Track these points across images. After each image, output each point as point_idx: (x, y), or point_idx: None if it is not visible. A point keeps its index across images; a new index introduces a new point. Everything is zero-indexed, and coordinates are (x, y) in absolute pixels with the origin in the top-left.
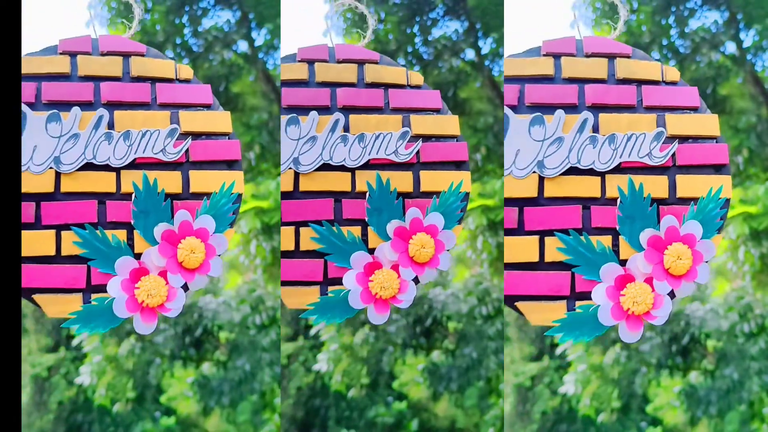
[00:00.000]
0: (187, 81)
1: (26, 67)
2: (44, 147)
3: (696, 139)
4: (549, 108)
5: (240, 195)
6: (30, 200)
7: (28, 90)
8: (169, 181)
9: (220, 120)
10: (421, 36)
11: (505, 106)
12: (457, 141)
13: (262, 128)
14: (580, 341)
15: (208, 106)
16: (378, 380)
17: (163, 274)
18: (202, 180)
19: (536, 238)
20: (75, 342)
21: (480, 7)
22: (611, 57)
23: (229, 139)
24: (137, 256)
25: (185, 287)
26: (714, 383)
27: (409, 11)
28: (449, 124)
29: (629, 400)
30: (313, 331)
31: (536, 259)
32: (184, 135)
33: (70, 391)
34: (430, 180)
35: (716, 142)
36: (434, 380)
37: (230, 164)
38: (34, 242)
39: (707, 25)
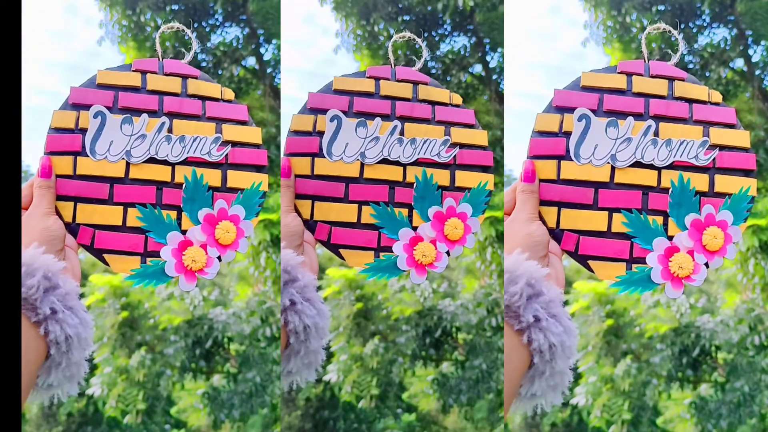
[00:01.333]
0: (229, 101)
1: (104, 79)
2: (119, 142)
3: (731, 148)
4: (622, 114)
5: (265, 192)
6: (105, 182)
7: (107, 97)
8: (212, 177)
9: (253, 134)
10: (430, 51)
11: (588, 110)
12: (484, 150)
13: (270, 142)
14: (635, 292)
15: (244, 122)
16: (387, 391)
17: (203, 246)
18: (236, 178)
19: (606, 213)
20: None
21: (487, 23)
22: (671, 79)
23: (258, 149)
24: (184, 232)
25: (219, 258)
26: (724, 396)
27: (418, 27)
28: (480, 136)
29: (640, 412)
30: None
31: (605, 229)
32: (225, 143)
33: (80, 403)
34: (463, 178)
35: (746, 152)
36: (444, 392)
37: (259, 168)
38: (107, 214)
39: (716, 41)
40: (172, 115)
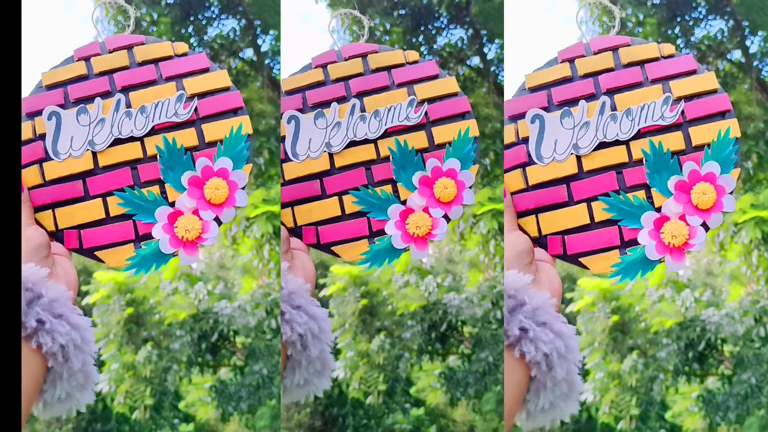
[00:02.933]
0: (184, 54)
1: (50, 79)
2: (79, 135)
3: (699, 95)
4: (573, 102)
5: (249, 134)
6: (77, 179)
7: (57, 96)
8: (186, 138)
9: (219, 78)
10: (427, 45)
11: (538, 109)
12: (457, 97)
13: (270, 134)
14: (637, 277)
15: (206, 70)
16: (395, 387)
17: (195, 212)
18: (213, 130)
19: (584, 205)
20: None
21: (483, 14)
22: (614, 49)
23: (230, 92)
24: (171, 204)
25: (218, 220)
26: (732, 389)
27: (414, 21)
28: (448, 84)
29: (648, 407)
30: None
31: (588, 221)
32: (191, 97)
33: None
34: (441, 134)
35: (717, 94)
36: (451, 386)
37: (235, 111)
38: (88, 211)
39: (713, 33)
40: (126, 90)
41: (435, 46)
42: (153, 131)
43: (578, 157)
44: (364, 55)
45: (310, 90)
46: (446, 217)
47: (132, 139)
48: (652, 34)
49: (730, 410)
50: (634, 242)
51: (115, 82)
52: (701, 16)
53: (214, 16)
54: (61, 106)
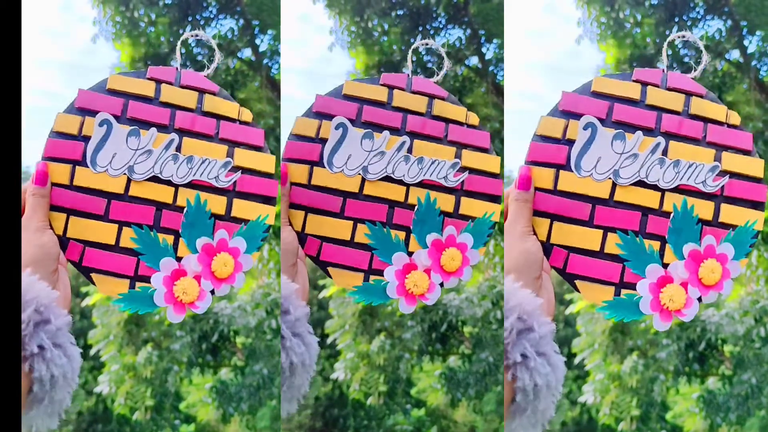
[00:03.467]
0: (246, 123)
1: (116, 84)
2: (122, 156)
3: (742, 176)
4: (631, 127)
5: (270, 226)
6: (103, 197)
7: (116, 104)
8: (216, 204)
9: (266, 161)
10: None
11: (595, 119)
12: (495, 178)
13: (269, 134)
14: (620, 320)
15: (259, 148)
16: (395, 388)
17: (197, 278)
18: (242, 208)
19: (601, 232)
20: (92, 351)
21: (482, 14)
22: (688, 94)
23: (270, 179)
24: (179, 260)
25: (213, 292)
26: (732, 389)
27: (412, 22)
28: (492, 162)
29: (648, 408)
30: (329, 340)
31: (597, 249)
32: (236, 168)
33: (89, 401)
34: (468, 206)
35: (758, 182)
36: (452, 386)
37: (267, 200)
38: (100, 232)
39: (711, 33)
40: (182, 132)
41: (433, 47)
42: (190, 184)
43: (614, 184)
44: (432, 97)
45: (369, 105)
46: (441, 285)
47: (169, 183)
48: (650, 34)
49: (730, 411)
50: (631, 286)
51: (176, 120)
52: (699, 16)
53: (212, 16)
54: (116, 117)
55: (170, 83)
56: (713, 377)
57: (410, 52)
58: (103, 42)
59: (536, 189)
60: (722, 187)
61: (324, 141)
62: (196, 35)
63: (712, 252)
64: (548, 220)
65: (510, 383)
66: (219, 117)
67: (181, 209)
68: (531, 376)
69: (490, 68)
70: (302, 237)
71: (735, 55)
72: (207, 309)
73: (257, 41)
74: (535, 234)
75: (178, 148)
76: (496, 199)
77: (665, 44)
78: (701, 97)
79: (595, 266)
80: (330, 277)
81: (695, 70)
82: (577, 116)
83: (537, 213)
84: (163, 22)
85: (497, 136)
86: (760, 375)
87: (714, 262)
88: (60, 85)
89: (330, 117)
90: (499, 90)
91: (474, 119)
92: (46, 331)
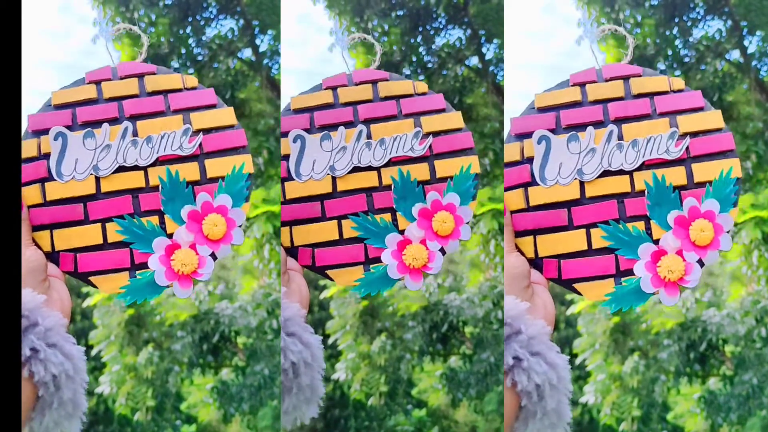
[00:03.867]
0: (193, 88)
1: (60, 99)
2: (84, 159)
3: (704, 132)
4: (581, 126)
5: (251, 174)
6: (78, 202)
7: (64, 117)
8: (189, 171)
9: (225, 115)
10: (425, 45)
11: (546, 131)
12: (462, 132)
13: (269, 134)
14: (629, 308)
15: (213, 106)
16: (396, 388)
17: (192, 247)
18: (216, 166)
19: (583, 231)
20: (93, 352)
21: (482, 14)
22: (626, 78)
23: (234, 129)
24: (170, 236)
25: (213, 256)
26: (733, 389)
27: (412, 22)
28: (454, 119)
29: (649, 408)
30: (330, 341)
31: (585, 247)
32: (196, 132)
33: (90, 402)
34: (444, 167)
35: (722, 132)
36: (453, 386)
37: (238, 150)
38: (85, 235)
39: (711, 33)
40: (134, 118)
41: (433, 47)
42: (157, 162)
43: (581, 183)
44: (374, 82)
45: (318, 111)
46: (442, 251)
47: (136, 167)
48: (650, 35)
49: (731, 411)
50: (629, 272)
51: (124, 110)
52: (699, 17)
53: (212, 16)
54: (69, 127)
55: (109, 80)
56: (714, 377)
57: (343, 50)
58: (103, 43)
59: (512, 212)
60: (687, 149)
61: (287, 157)
62: (119, 30)
63: (698, 213)
64: (531, 237)
65: (512, 390)
66: (165, 92)
67: (156, 188)
68: (529, 376)
69: (490, 68)
70: (294, 251)
71: (735, 55)
72: (211, 276)
73: (257, 41)
74: (519, 250)
75: (135, 133)
76: (468, 151)
77: (591, 45)
78: (639, 76)
79: (588, 265)
80: (332, 280)
81: (626, 57)
82: (530, 135)
83: (519, 234)
84: (162, 23)
85: (497, 137)
86: (761, 375)
87: (702, 221)
88: (60, 86)
89: (285, 135)
90: (499, 90)
91: (422, 87)
92: (35, 333)
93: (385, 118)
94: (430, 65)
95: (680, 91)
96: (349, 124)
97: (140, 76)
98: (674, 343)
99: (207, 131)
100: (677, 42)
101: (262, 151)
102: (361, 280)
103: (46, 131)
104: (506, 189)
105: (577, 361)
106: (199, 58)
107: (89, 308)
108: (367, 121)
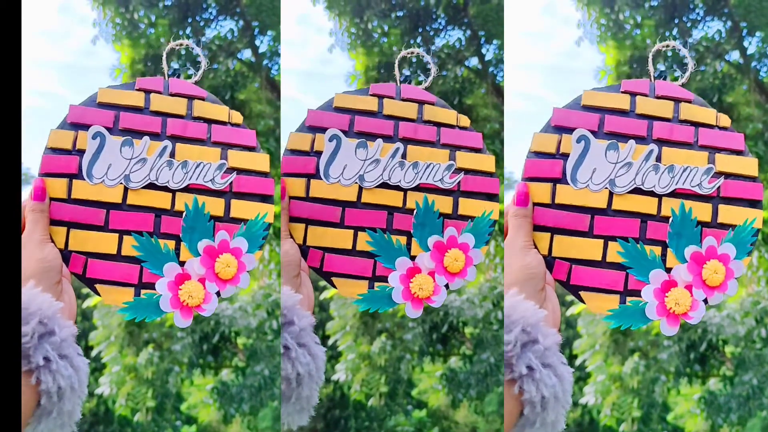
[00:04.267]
0: (237, 125)
1: (105, 97)
2: (117, 166)
3: (738, 176)
4: (623, 137)
5: (270, 224)
6: (102, 208)
7: (107, 117)
8: (214, 206)
9: (260, 161)
10: (425, 46)
11: (587, 131)
12: (491, 177)
13: (269, 134)
14: (628, 327)
15: (252, 149)
16: (397, 389)
17: (202, 280)
18: (240, 208)
19: (602, 241)
20: (93, 353)
21: (481, 15)
22: (677, 100)
23: (266, 177)
24: (182, 264)
25: (218, 294)
26: (733, 390)
27: (412, 23)
28: (487, 162)
29: (649, 409)
30: (330, 341)
31: (599, 258)
32: (231, 170)
33: (90, 403)
34: (467, 206)
35: (754, 181)
36: (453, 387)
37: (264, 198)
38: (101, 242)
39: (711, 34)
40: (175, 139)
41: (433, 48)
42: (187, 188)
43: (611, 194)
44: (421, 103)
45: (360, 116)
46: (446, 287)
47: (166, 188)
48: (650, 35)
49: (732, 411)
50: (636, 293)
51: (167, 128)
52: (699, 18)
53: (212, 17)
54: (109, 129)
55: (159, 92)
56: (714, 378)
57: (396, 60)
58: (103, 43)
59: (534, 204)
60: (718, 188)
61: (319, 154)
62: (181, 44)
63: (714, 253)
64: (548, 234)
65: (516, 397)
66: (210, 121)
67: (180, 214)
68: (538, 388)
69: (490, 69)
70: (304, 249)
71: (735, 56)
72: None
73: (257, 42)
74: (536, 248)
75: (172, 155)
76: (493, 197)
77: (650, 55)
78: (689, 102)
79: (598, 276)
80: (335, 287)
81: (683, 77)
82: (570, 130)
83: (537, 228)
84: (162, 24)
85: (497, 137)
86: (761, 376)
87: (717, 262)
88: (59, 87)
89: (323, 130)
90: (499, 91)
91: (465, 121)
92: (51, 343)
93: (424, 142)
94: (429, 66)
95: (725, 128)
96: (388, 139)
97: (190, 98)
98: (674, 344)
99: (240, 171)
100: (677, 42)
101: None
102: (364, 296)
103: (85, 127)
104: (533, 179)
105: (577, 362)
106: (199, 59)
107: (89, 309)
108: (406, 141)
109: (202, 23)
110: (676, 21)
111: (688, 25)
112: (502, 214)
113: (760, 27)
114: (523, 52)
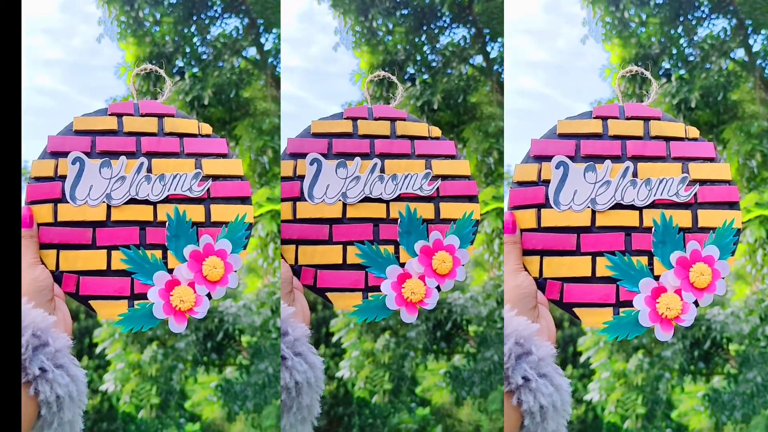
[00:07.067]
0: (207, 136)
1: (81, 125)
2: (98, 186)
3: (713, 182)
4: (599, 158)
5: (251, 224)
6: (87, 227)
7: (84, 143)
8: (195, 213)
9: (234, 165)
10: (429, 44)
11: (565, 157)
12: (468, 180)
13: (273, 132)
14: (624, 338)
15: (224, 155)
16: (400, 386)
17: (191, 285)
18: (220, 212)
19: (589, 258)
20: (98, 350)
21: (486, 13)
22: (646, 119)
23: (241, 180)
24: (170, 271)
25: (209, 296)
26: (737, 387)
27: (416, 21)
28: (462, 166)
29: (653, 406)
30: (334, 339)
31: (589, 274)
32: (206, 177)
33: (95, 400)
34: (448, 210)
35: (729, 184)
36: (456, 385)
37: (243, 200)
38: (91, 259)
39: (716, 32)
40: (150, 155)
41: (438, 46)
42: (167, 199)
43: (593, 212)
44: (393, 120)
45: (337, 138)
46: (438, 288)
47: (147, 202)
48: (655, 33)
49: (736, 409)
50: (628, 304)
51: (142, 146)
52: (704, 15)
53: (216, 15)
54: (87, 153)
55: (131, 114)
56: (718, 376)
57: (366, 84)
58: (108, 42)
59: (522, 230)
60: (695, 194)
61: (302, 177)
62: (145, 69)
63: (699, 256)
64: (538, 257)
65: (516, 409)
66: (181, 135)
67: (163, 224)
68: (535, 397)
69: (495, 67)
70: (296, 269)
71: (740, 53)
72: (207, 311)
73: (262, 40)
74: (526, 270)
75: (149, 170)
76: (472, 198)
77: (616, 81)
78: (658, 119)
79: (590, 291)
80: (330, 302)
81: (648, 98)
82: (548, 158)
83: (527, 252)
84: (167, 22)
85: (501, 135)
86: (765, 374)
87: (702, 265)
88: (65, 85)
89: (304, 155)
90: (503, 89)
91: (436, 132)
92: (45, 354)
93: (399, 155)
94: (434, 64)
95: (695, 139)
96: (365, 156)
97: (160, 116)
98: (678, 342)
99: (216, 178)
100: (682, 41)
101: (267, 149)
102: (359, 306)
103: (64, 154)
104: (519, 207)
105: (582, 358)
106: (204, 56)
107: None
108: (382, 156)
109: (207, 21)
110: (681, 19)
111: (693, 22)
112: (500, 213)
113: (766, 25)
114: (526, 49)
